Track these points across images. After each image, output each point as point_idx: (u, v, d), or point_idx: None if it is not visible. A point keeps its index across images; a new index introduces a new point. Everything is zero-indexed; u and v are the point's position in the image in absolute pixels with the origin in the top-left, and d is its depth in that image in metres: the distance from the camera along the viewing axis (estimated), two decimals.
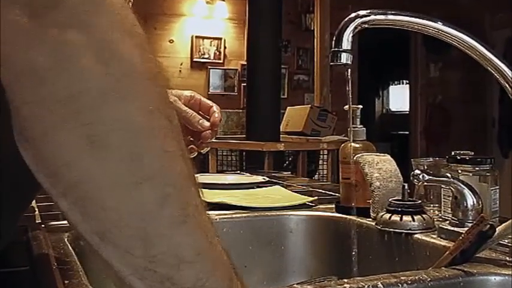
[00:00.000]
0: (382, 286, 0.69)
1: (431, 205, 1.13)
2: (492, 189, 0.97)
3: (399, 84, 9.61)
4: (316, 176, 4.51)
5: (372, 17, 0.87)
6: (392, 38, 6.09)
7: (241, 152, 4.44)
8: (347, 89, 0.87)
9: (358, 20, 0.85)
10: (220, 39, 6.28)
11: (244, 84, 5.17)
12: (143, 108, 0.39)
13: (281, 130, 4.25)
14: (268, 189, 1.50)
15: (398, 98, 9.37)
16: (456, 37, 0.90)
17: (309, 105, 4.67)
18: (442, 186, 1.02)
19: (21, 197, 0.66)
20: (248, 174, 1.83)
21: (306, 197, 1.32)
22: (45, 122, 0.37)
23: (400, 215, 0.97)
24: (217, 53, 6.27)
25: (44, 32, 0.37)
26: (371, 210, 1.06)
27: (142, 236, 0.38)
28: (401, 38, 6.45)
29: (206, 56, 6.22)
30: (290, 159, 4.59)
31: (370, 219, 1.06)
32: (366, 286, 0.68)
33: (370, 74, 8.08)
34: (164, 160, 0.40)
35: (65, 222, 1.04)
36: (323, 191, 1.52)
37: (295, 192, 1.44)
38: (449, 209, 0.96)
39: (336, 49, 0.85)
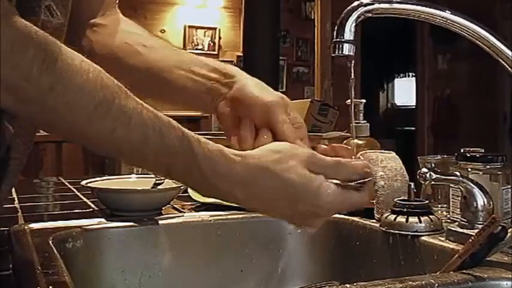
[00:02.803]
0: None
1: (439, 205, 1.13)
2: (504, 189, 0.97)
3: (405, 77, 9.62)
4: None
5: (376, 5, 0.87)
6: (398, 27, 6.09)
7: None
8: (349, 82, 0.87)
9: (362, 9, 0.85)
10: (214, 29, 6.28)
11: None
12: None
13: None
14: None
15: (404, 91, 9.37)
16: (465, 27, 0.90)
17: (309, 99, 4.64)
18: (451, 185, 1.02)
19: None
20: None
21: None
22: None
23: (405, 216, 0.97)
24: (212, 43, 6.27)
25: None
26: (375, 211, 1.06)
27: None
28: (407, 28, 6.45)
29: (200, 47, 6.22)
30: None
31: (374, 221, 1.06)
32: None
33: (374, 66, 8.07)
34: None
35: (50, 223, 1.04)
36: None
37: None
38: (458, 210, 0.96)
39: (338, 39, 0.85)
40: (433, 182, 0.91)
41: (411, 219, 0.96)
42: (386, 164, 1.06)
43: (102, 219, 1.10)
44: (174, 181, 1.27)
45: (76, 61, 0.62)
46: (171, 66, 0.93)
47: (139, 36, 0.99)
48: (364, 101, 1.17)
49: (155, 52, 0.95)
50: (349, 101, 0.94)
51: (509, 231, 0.77)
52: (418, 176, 0.91)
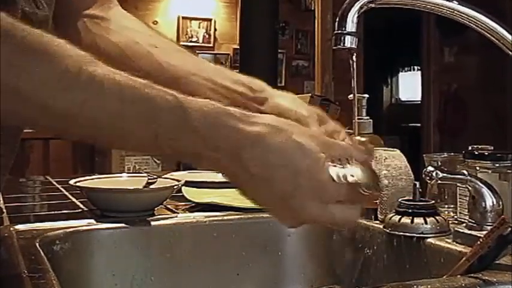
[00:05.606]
0: None
1: (446, 206, 1.13)
2: None
3: (410, 70, 9.62)
4: None
5: None
6: (402, 19, 6.09)
7: None
8: (351, 76, 0.87)
9: None
10: (210, 20, 6.27)
11: (237, 70, 5.17)
12: None
13: None
14: None
15: (409, 86, 9.38)
16: (473, 18, 0.90)
17: (309, 94, 4.66)
18: (458, 184, 1.02)
19: None
20: None
21: None
22: None
23: (411, 217, 0.97)
24: (207, 35, 6.27)
25: None
26: (379, 212, 1.06)
27: None
28: (412, 19, 6.45)
29: (194, 39, 6.21)
30: None
31: (377, 222, 1.06)
32: None
33: (378, 59, 8.08)
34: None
35: (37, 224, 1.04)
36: None
37: None
38: (466, 210, 0.96)
39: (339, 31, 0.85)
40: (439, 181, 0.91)
41: (416, 220, 0.96)
42: (391, 163, 1.06)
43: (92, 220, 1.10)
44: (167, 181, 1.26)
45: (32, 36, 0.61)
46: (188, 72, 0.90)
47: (149, 36, 0.96)
48: (367, 96, 1.17)
49: (169, 55, 0.92)
50: (352, 96, 0.94)
51: None
52: (423, 175, 0.91)
